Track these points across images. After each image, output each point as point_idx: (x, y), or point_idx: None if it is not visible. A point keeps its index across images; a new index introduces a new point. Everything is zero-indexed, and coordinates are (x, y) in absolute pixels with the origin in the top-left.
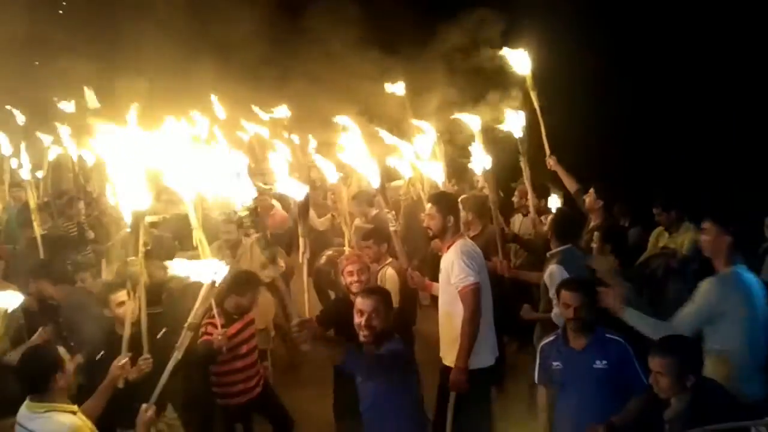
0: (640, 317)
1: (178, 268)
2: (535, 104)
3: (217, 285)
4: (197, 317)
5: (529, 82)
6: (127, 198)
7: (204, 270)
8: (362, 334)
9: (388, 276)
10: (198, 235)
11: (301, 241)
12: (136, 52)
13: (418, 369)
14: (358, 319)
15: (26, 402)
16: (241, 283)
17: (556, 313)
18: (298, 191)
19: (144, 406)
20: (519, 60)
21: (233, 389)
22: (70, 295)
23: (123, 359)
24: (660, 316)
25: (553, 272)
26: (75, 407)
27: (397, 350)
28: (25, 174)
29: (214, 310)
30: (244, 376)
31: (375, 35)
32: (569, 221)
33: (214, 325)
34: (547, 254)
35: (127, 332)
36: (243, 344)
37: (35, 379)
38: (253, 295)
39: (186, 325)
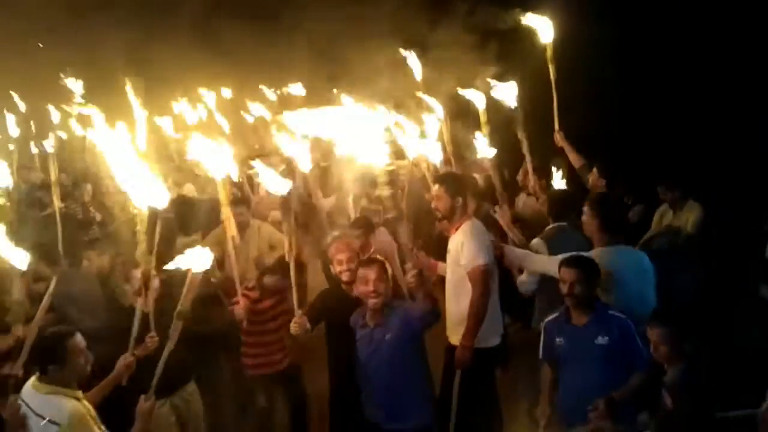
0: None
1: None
2: (552, 76)
3: (200, 274)
4: (185, 305)
5: (549, 52)
6: (140, 192)
7: (191, 258)
8: (371, 301)
9: None
10: (226, 212)
11: (285, 239)
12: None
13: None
14: (365, 288)
15: (33, 379)
16: (286, 267)
17: (522, 280)
18: (280, 186)
19: (143, 396)
20: (542, 28)
21: (257, 360)
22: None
23: (129, 357)
24: (665, 294)
25: (532, 245)
26: (80, 393)
27: (407, 306)
28: (48, 147)
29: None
30: (268, 350)
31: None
32: (564, 200)
33: (246, 297)
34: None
35: (135, 331)
36: (272, 320)
37: (45, 362)
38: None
39: (175, 313)
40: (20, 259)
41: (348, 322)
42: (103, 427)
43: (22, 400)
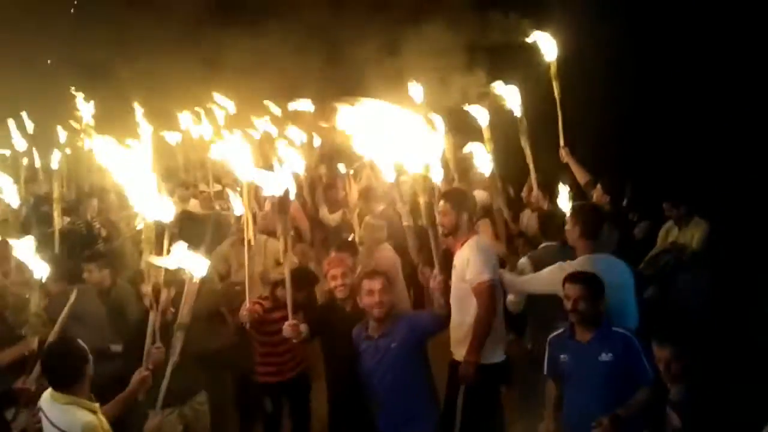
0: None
1: (159, 261)
2: (556, 94)
3: (196, 281)
4: (184, 317)
5: (553, 70)
6: (147, 208)
7: (185, 264)
8: (376, 311)
9: None
10: (247, 215)
11: (281, 240)
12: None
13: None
14: (370, 299)
15: (50, 390)
16: (299, 278)
17: (510, 299)
18: (276, 187)
19: (151, 412)
20: (547, 45)
21: (267, 369)
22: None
23: (144, 372)
24: (668, 309)
25: (519, 265)
26: (96, 406)
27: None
28: (53, 164)
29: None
30: (278, 360)
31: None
32: (554, 219)
33: (259, 305)
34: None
35: (148, 344)
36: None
37: (62, 372)
38: (307, 292)
39: (175, 326)
40: (40, 270)
41: (343, 336)
42: None
43: (41, 409)
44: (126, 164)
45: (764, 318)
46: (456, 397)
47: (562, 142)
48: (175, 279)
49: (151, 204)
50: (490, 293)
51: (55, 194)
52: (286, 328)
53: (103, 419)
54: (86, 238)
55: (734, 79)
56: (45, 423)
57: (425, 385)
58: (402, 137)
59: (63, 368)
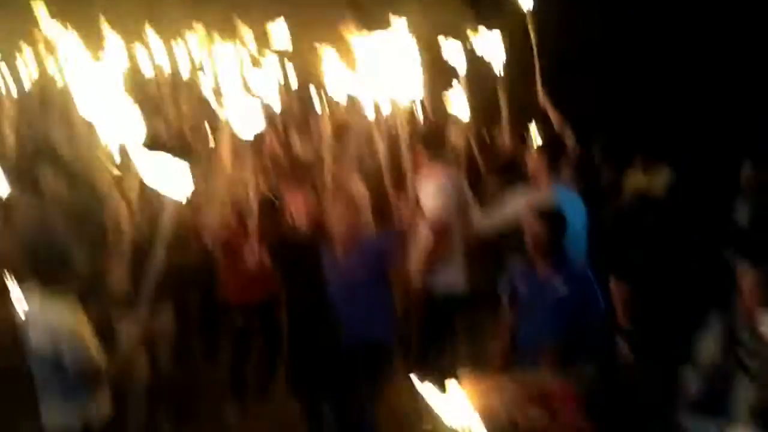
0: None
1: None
2: (533, 42)
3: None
4: (166, 229)
5: (529, 19)
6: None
7: (169, 184)
8: (340, 236)
9: None
10: (223, 149)
11: (251, 174)
12: None
13: None
14: (335, 225)
15: (36, 285)
16: (266, 207)
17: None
18: (247, 131)
19: (129, 318)
20: None
21: (234, 289)
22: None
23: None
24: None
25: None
26: (81, 311)
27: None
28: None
29: None
30: (245, 282)
31: None
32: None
33: (225, 228)
34: None
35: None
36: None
37: (47, 265)
38: (273, 219)
39: (156, 237)
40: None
41: (304, 264)
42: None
43: (23, 307)
44: (92, 76)
45: (721, 259)
46: (414, 323)
47: (539, 87)
48: (148, 196)
49: (120, 122)
50: (445, 228)
51: (13, 112)
52: (249, 258)
53: (88, 326)
54: (47, 155)
55: (705, 28)
56: (29, 320)
57: (387, 306)
58: (383, 70)
59: (49, 260)
